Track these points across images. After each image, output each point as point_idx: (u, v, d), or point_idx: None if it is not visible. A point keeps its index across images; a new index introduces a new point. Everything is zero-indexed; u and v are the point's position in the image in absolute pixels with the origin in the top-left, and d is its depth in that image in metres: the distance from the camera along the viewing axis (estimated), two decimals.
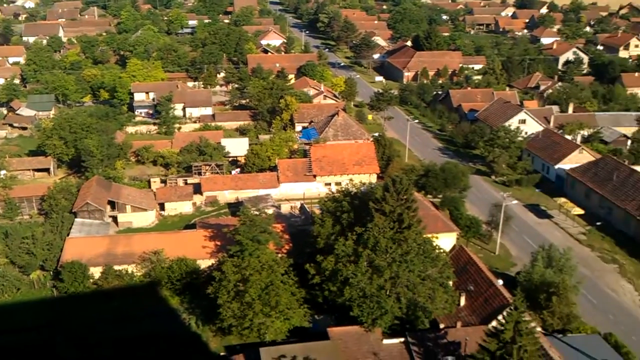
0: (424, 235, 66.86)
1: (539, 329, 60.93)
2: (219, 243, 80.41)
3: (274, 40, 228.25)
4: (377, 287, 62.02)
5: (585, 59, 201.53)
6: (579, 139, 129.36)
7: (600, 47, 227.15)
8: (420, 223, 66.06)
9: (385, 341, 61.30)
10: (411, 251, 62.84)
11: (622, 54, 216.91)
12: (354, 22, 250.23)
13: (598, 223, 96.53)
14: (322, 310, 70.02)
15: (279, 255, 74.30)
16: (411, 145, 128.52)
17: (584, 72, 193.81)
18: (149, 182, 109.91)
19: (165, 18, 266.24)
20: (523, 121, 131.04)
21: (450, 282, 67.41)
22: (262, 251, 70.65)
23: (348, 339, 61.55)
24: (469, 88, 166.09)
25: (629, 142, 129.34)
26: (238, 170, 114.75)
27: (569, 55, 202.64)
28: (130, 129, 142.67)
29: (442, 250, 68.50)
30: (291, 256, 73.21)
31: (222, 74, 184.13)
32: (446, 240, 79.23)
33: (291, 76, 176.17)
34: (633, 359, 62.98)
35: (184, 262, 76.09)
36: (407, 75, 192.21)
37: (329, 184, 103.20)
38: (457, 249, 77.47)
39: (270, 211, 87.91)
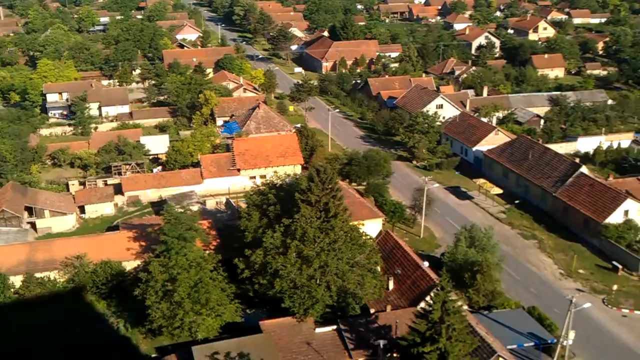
0: (351, 223, 67.55)
1: (465, 307, 62.69)
2: (144, 243, 78.85)
3: (190, 34, 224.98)
4: (307, 277, 62.29)
5: (497, 43, 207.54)
6: (494, 120, 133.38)
7: (510, 31, 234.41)
8: (346, 211, 66.63)
9: (318, 330, 61.74)
10: (339, 239, 63.38)
11: (532, 36, 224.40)
12: (270, 14, 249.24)
13: (516, 201, 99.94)
14: (253, 304, 69.86)
15: (207, 251, 73.51)
16: (334, 135, 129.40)
17: (497, 55, 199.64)
18: (67, 185, 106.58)
19: (76, 16, 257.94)
20: (440, 106, 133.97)
21: (379, 267, 68.44)
22: (189, 249, 69.73)
23: (281, 331, 61.65)
24: (386, 76, 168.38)
25: (542, 121, 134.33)
26: (160, 168, 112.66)
27: (482, 40, 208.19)
28: (45, 132, 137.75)
29: (369, 237, 69.39)
30: (219, 252, 72.54)
31: (138, 71, 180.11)
32: (372, 227, 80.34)
33: (209, 70, 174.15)
34: (556, 330, 65.64)
35: (108, 265, 74.27)
36: (326, 65, 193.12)
37: (254, 177, 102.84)
38: (384, 234, 78.64)
39: (195, 208, 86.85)
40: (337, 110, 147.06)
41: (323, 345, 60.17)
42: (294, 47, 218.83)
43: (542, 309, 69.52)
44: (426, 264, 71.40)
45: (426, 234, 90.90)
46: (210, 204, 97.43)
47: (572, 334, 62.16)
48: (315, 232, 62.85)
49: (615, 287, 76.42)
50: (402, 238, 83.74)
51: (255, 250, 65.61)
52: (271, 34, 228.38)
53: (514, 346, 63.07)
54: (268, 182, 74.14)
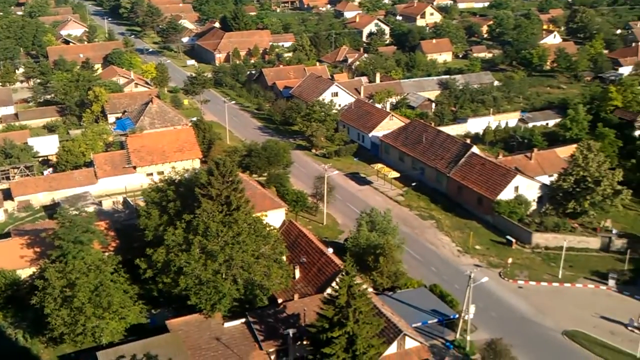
0: (254, 215, 67.29)
1: (370, 289, 63.95)
2: (38, 249, 75.34)
3: (75, 29, 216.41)
4: (212, 272, 61.57)
5: (387, 29, 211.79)
6: (388, 106, 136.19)
7: (399, 18, 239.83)
8: (248, 203, 66.28)
9: (227, 324, 61.27)
10: (242, 232, 63.02)
11: (420, 22, 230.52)
12: (158, 6, 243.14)
13: (413, 184, 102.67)
14: (158, 304, 68.40)
15: (106, 253, 71.21)
16: (231, 127, 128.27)
17: (387, 42, 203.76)
18: None
19: None
20: (335, 94, 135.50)
21: (284, 257, 68.62)
22: (87, 252, 67.35)
23: (188, 329, 60.73)
24: (281, 66, 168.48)
25: (433, 105, 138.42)
26: (51, 170, 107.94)
27: (372, 27, 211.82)
28: None
29: (272, 227, 69.35)
30: (119, 253, 70.43)
31: (22, 70, 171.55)
32: (276, 217, 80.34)
33: (97, 66, 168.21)
34: (457, 305, 68.07)
35: (1, 274, 70.55)
36: (219, 57, 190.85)
37: (151, 174, 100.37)
38: (287, 223, 78.86)
39: (90, 209, 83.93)
40: (233, 102, 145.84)
41: (233, 339, 59.78)
42: (185, 39, 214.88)
43: (443, 286, 71.96)
44: (330, 250, 72.23)
45: (329, 220, 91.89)
46: (107, 204, 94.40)
47: (472, 308, 64.68)
48: (218, 227, 62.18)
49: (510, 260, 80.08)
50: (305, 226, 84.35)
51: (157, 249, 64.17)
52: (161, 26, 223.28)
53: (419, 324, 64.99)
54: (166, 178, 72.59)
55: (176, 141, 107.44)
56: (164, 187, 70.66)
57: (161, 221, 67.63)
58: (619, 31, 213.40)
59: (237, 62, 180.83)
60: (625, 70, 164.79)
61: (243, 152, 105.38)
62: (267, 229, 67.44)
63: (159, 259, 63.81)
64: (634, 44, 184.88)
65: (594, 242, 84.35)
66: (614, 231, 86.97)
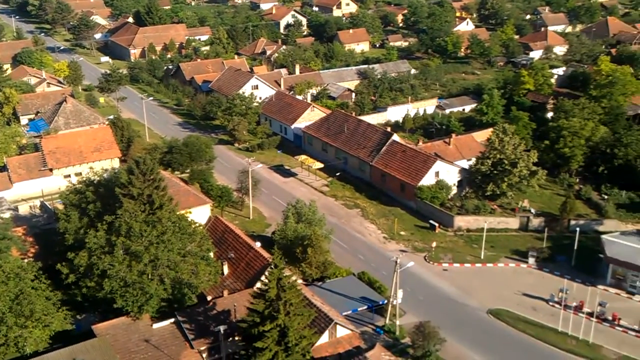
0: (178, 212, 66.25)
1: (300, 281, 64.15)
2: None
3: None
4: (137, 273, 60.23)
5: (304, 20, 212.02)
6: (309, 97, 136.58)
7: (315, 9, 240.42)
8: (172, 201, 65.16)
9: (155, 325, 60.14)
10: (167, 231, 61.86)
11: (336, 12, 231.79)
12: (68, 2, 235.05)
13: (337, 174, 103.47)
14: (83, 309, 66.43)
15: (26, 260, 68.51)
16: (150, 124, 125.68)
17: (305, 33, 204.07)
18: None
19: None
20: (256, 87, 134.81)
21: (211, 254, 67.88)
22: (5, 260, 64.56)
23: (116, 332, 59.28)
24: (198, 60, 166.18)
25: (353, 95, 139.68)
26: None
27: (289, 18, 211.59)
28: None
29: (198, 224, 68.42)
30: (39, 259, 67.89)
31: None
32: (201, 213, 79.38)
33: (7, 66, 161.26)
34: (385, 291, 69.14)
35: None
36: (134, 52, 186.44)
37: (69, 176, 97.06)
38: (213, 219, 78.03)
39: (6, 215, 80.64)
40: (151, 98, 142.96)
41: (162, 340, 58.75)
42: (97, 36, 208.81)
43: (371, 273, 72.94)
44: (258, 244, 71.95)
45: (255, 214, 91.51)
46: (24, 209, 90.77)
47: (400, 293, 65.88)
48: (141, 226, 60.82)
49: (434, 244, 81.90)
50: (232, 221, 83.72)
51: (79, 253, 62.23)
52: (72, 23, 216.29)
53: (349, 312, 65.66)
54: (84, 179, 70.48)
55: (93, 141, 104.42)
56: (82, 188, 68.60)
57: (81, 224, 65.66)
58: (528, 17, 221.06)
59: (153, 57, 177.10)
60: (536, 55, 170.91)
61: (164, 149, 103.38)
62: (193, 226, 66.48)
63: (81, 262, 61.94)
64: (542, 29, 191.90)
65: (513, 222, 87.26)
66: (532, 211, 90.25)
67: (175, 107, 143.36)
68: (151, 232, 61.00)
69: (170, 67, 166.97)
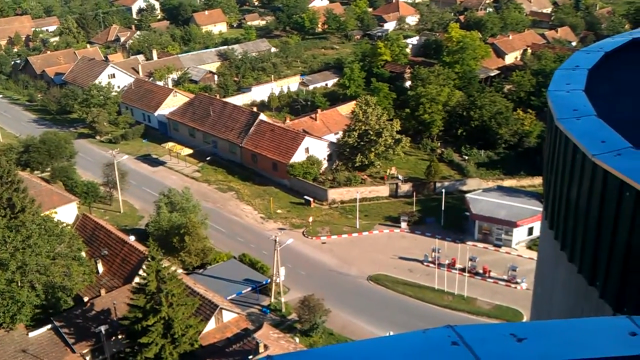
0: (42, 214, 63.04)
1: (180, 270, 63.05)
2: None
3: None
4: (5, 282, 56.69)
5: (157, 4, 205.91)
6: (170, 82, 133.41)
7: None
8: (34, 202, 62.05)
9: (32, 334, 57.01)
10: (33, 234, 58.64)
11: None
12: None
13: (208, 158, 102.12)
14: None
15: None
16: (2, 123, 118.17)
17: (159, 17, 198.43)
18: None
19: None
20: (112, 75, 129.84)
21: (83, 253, 65.11)
22: None
23: None
24: (48, 52, 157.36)
25: (216, 77, 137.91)
26: None
27: (140, 3, 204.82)
28: None
29: (65, 224, 65.39)
30: None
31: None
32: (67, 212, 75.99)
33: None
34: (268, 270, 69.45)
35: None
36: None
37: None
38: (81, 217, 74.82)
39: None
40: (1, 95, 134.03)
41: (41, 348, 55.87)
42: None
43: (252, 254, 73.02)
44: (132, 238, 69.84)
45: (126, 208, 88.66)
46: None
47: (282, 271, 66.42)
48: (4, 232, 57.29)
49: (311, 219, 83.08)
50: (102, 217, 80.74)
51: None
52: None
53: (234, 295, 65.48)
54: None
55: None
56: None
57: None
58: None
59: None
60: (390, 26, 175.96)
61: (20, 148, 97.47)
62: (60, 226, 63.42)
63: None
64: (394, 0, 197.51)
65: (384, 190, 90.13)
66: (400, 177, 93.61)
67: (28, 103, 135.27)
68: (15, 237, 57.62)
69: (18, 61, 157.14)
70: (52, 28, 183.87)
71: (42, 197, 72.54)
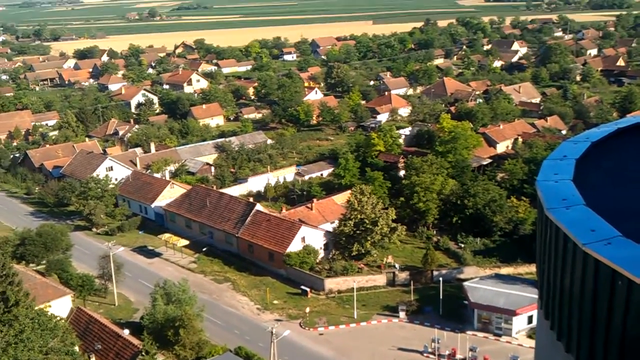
0: (36, 308, 62.23)
1: None
2: None
3: None
4: None
5: (155, 99, 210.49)
6: (167, 175, 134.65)
7: (166, 86, 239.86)
8: (28, 296, 61.23)
9: None
10: (26, 329, 57.68)
11: (187, 89, 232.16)
12: None
13: (204, 249, 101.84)
14: None
15: None
16: None
17: (157, 111, 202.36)
18: None
19: None
20: (110, 168, 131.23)
21: (76, 347, 63.97)
22: None
23: None
24: (47, 145, 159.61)
25: (213, 168, 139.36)
26: None
27: (139, 98, 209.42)
28: None
29: (59, 318, 64.46)
30: None
31: None
32: (61, 306, 74.88)
33: None
34: None
35: None
36: None
37: None
38: (75, 311, 73.89)
39: None
40: None
41: None
42: None
43: (248, 347, 71.63)
44: (127, 331, 68.83)
45: (121, 300, 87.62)
46: None
47: None
48: None
49: (308, 309, 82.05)
50: (96, 311, 79.76)
51: None
52: None
53: None
54: None
55: None
56: None
57: None
58: (372, 82, 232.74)
59: None
60: (383, 117, 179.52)
61: (16, 241, 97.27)
62: (53, 320, 62.46)
63: None
64: (386, 93, 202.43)
65: (381, 279, 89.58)
66: (396, 266, 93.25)
67: (26, 196, 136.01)
68: (8, 331, 56.68)
69: (17, 155, 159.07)
70: (51, 122, 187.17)
71: (36, 290, 71.82)
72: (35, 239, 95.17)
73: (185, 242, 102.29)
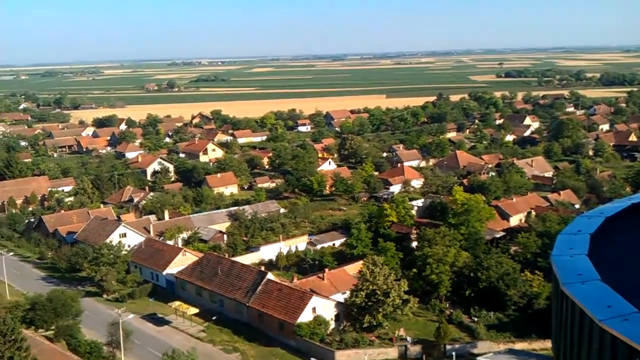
0: None
1: None
2: None
3: None
4: None
5: (171, 167, 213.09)
6: (180, 242, 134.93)
7: (182, 155, 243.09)
8: None
9: None
10: None
11: (203, 158, 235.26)
12: None
13: (214, 317, 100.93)
14: None
15: None
16: (10, 281, 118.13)
17: (172, 179, 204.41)
18: None
19: None
20: (124, 235, 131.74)
21: None
22: None
23: None
24: (62, 211, 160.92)
25: (225, 236, 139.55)
26: None
27: (155, 166, 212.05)
28: None
29: None
30: None
31: None
32: None
33: None
34: None
35: None
36: None
37: None
38: None
39: None
40: (12, 253, 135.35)
41: None
42: None
43: None
44: None
45: None
46: None
47: None
48: None
49: None
50: None
51: None
52: None
53: None
54: None
55: None
56: None
57: None
58: (385, 154, 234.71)
59: (14, 211, 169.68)
60: (396, 189, 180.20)
61: (26, 306, 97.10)
62: None
63: None
64: (399, 165, 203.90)
65: (393, 352, 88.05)
66: (408, 339, 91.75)
67: (38, 260, 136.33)
68: None
69: (32, 220, 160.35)
70: (67, 188, 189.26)
71: (44, 356, 71.30)
72: (46, 304, 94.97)
73: (195, 310, 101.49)
